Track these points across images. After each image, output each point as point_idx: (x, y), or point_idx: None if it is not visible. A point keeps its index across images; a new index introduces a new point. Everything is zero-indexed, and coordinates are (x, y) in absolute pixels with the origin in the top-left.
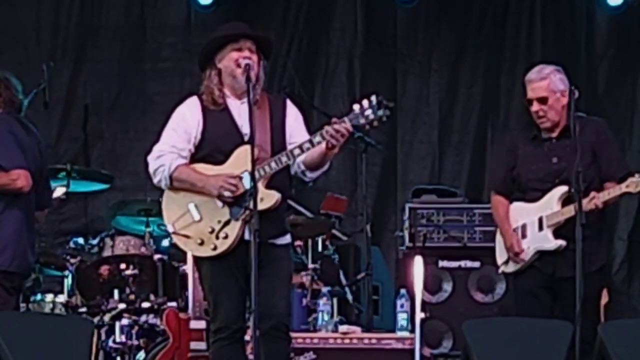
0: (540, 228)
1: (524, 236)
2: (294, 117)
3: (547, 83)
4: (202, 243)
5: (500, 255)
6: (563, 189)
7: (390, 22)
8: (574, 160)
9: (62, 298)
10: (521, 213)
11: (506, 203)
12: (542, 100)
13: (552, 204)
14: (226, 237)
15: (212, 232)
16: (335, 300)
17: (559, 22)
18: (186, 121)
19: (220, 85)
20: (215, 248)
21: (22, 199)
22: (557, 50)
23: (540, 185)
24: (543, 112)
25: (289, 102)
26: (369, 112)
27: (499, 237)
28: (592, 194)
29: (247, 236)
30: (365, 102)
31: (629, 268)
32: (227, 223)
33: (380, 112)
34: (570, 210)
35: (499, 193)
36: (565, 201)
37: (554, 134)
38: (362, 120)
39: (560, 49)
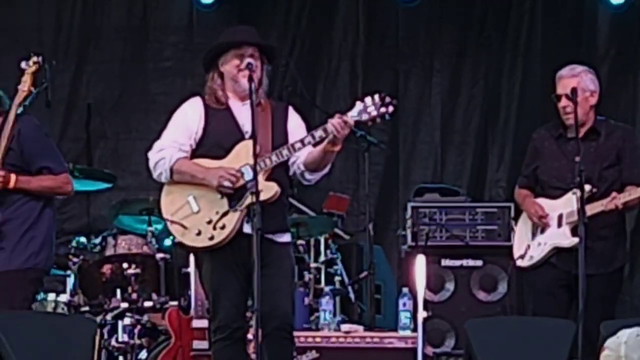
0: (559, 225)
1: (542, 231)
2: (295, 125)
3: (578, 81)
4: (199, 233)
5: (517, 249)
6: (585, 187)
7: (392, 22)
8: (597, 160)
9: (64, 297)
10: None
11: (529, 192)
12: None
13: (573, 202)
14: (223, 227)
15: (209, 222)
16: (337, 299)
17: (561, 22)
18: (188, 118)
19: (222, 87)
20: (212, 238)
21: (53, 200)
22: (558, 51)
23: (561, 184)
24: (571, 108)
25: (291, 110)
26: (371, 108)
27: (517, 232)
28: (613, 194)
29: (246, 229)
30: (368, 99)
31: (631, 267)
32: (225, 214)
33: (382, 110)
34: (590, 209)
35: (522, 187)
36: (587, 200)
37: (579, 134)
38: (365, 117)
39: (562, 49)
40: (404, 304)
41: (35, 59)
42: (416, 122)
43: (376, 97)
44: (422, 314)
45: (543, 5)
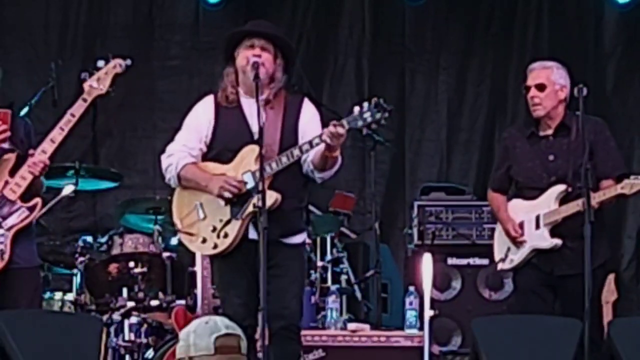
0: (537, 226)
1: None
2: (308, 118)
3: (548, 73)
4: (204, 241)
5: (498, 253)
6: (561, 187)
7: (398, 20)
8: (570, 158)
9: (71, 296)
10: (519, 210)
11: (502, 198)
12: (540, 87)
13: (549, 202)
14: (226, 236)
15: (213, 230)
16: (344, 297)
17: (567, 20)
18: (199, 121)
19: (235, 83)
20: (215, 246)
21: None
22: (565, 49)
23: (536, 184)
24: (539, 99)
25: (305, 102)
26: (367, 114)
27: (497, 235)
28: None
29: (252, 235)
30: (364, 105)
31: (638, 266)
32: (228, 222)
33: (378, 115)
34: (567, 209)
35: (495, 190)
36: (563, 200)
37: (550, 131)
38: (360, 123)
39: (568, 47)
40: (411, 303)
41: (127, 62)
42: (422, 121)
43: (373, 101)
44: (428, 313)
45: (549, 3)
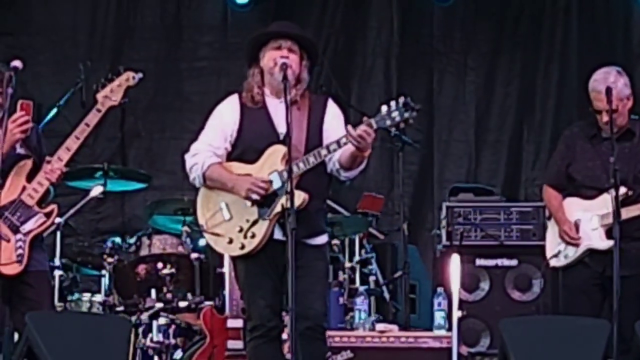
0: (594, 226)
1: (577, 232)
2: (332, 117)
3: (615, 93)
4: (230, 242)
5: (550, 249)
6: (621, 190)
7: (426, 21)
8: (632, 161)
9: (99, 297)
10: (576, 208)
11: (559, 195)
12: (612, 111)
13: (607, 203)
14: (253, 236)
15: (240, 231)
16: (372, 298)
17: (596, 21)
18: (223, 120)
19: (261, 83)
20: (242, 247)
21: None
22: (593, 50)
23: (595, 184)
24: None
25: (330, 102)
26: (395, 113)
27: (549, 232)
28: None
29: (277, 235)
30: (392, 104)
31: None
32: (255, 222)
33: (406, 114)
34: (626, 213)
35: (552, 186)
36: (622, 202)
37: (615, 134)
38: (389, 122)
39: (597, 48)
40: (439, 304)
41: (139, 75)
42: (451, 121)
43: (400, 100)
44: (457, 314)
45: (578, 3)
